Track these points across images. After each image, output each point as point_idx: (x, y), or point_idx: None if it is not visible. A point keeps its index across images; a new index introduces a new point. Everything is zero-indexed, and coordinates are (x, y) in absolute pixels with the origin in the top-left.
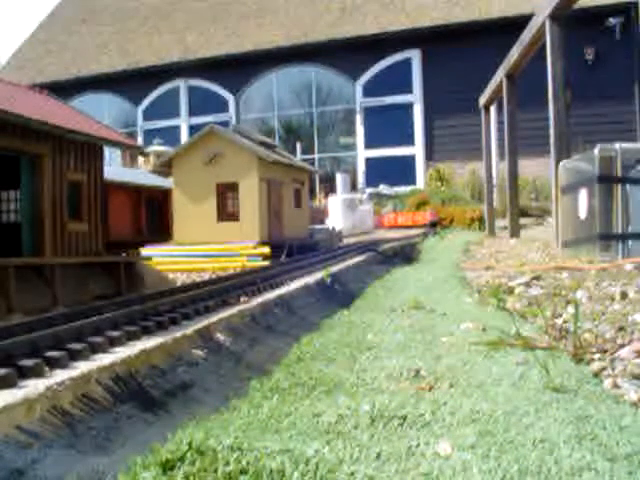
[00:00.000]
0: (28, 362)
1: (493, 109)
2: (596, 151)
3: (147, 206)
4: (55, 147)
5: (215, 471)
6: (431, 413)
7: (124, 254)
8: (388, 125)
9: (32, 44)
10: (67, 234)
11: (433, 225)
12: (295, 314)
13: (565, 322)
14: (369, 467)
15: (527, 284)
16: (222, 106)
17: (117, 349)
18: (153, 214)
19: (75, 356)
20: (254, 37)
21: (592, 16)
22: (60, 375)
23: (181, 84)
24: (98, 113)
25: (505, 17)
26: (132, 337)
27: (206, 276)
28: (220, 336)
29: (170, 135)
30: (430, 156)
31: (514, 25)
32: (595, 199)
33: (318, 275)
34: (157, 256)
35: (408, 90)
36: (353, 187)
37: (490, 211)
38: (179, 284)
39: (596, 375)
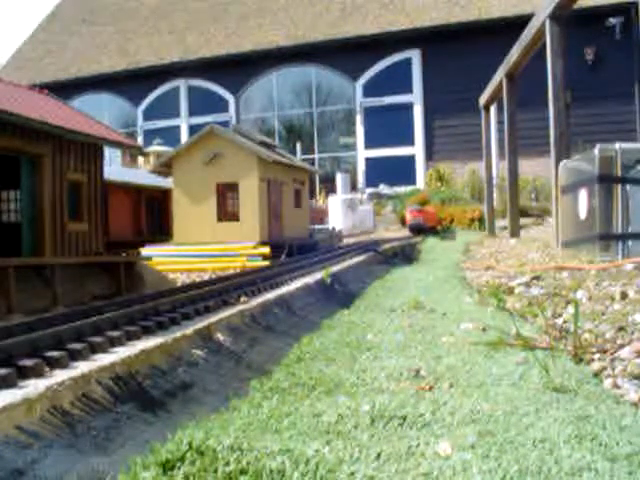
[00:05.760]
0: (28, 362)
1: (493, 109)
2: (596, 151)
3: (147, 206)
4: (55, 147)
5: (215, 471)
6: (431, 413)
7: (124, 254)
8: (388, 125)
9: (32, 44)
10: (67, 234)
11: (418, 230)
12: (295, 314)
13: (565, 322)
14: (369, 467)
15: (527, 284)
16: (222, 106)
17: (117, 349)
18: (153, 214)
19: (75, 356)
20: (254, 37)
21: (592, 16)
22: (60, 375)
23: (181, 84)
24: (98, 113)
25: (505, 17)
26: (132, 337)
27: (206, 276)
28: (220, 336)
29: (170, 135)
30: (430, 156)
31: (514, 25)
32: (595, 199)
33: (318, 275)
34: (157, 256)
35: (408, 90)
36: (353, 187)
37: (490, 211)
38: (179, 284)
39: (596, 375)
